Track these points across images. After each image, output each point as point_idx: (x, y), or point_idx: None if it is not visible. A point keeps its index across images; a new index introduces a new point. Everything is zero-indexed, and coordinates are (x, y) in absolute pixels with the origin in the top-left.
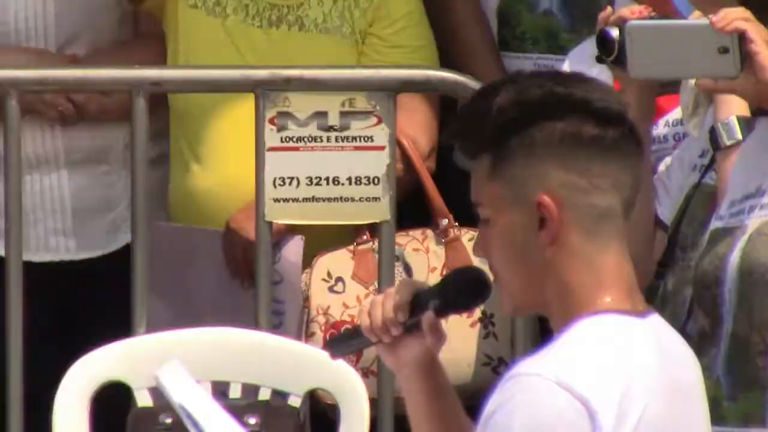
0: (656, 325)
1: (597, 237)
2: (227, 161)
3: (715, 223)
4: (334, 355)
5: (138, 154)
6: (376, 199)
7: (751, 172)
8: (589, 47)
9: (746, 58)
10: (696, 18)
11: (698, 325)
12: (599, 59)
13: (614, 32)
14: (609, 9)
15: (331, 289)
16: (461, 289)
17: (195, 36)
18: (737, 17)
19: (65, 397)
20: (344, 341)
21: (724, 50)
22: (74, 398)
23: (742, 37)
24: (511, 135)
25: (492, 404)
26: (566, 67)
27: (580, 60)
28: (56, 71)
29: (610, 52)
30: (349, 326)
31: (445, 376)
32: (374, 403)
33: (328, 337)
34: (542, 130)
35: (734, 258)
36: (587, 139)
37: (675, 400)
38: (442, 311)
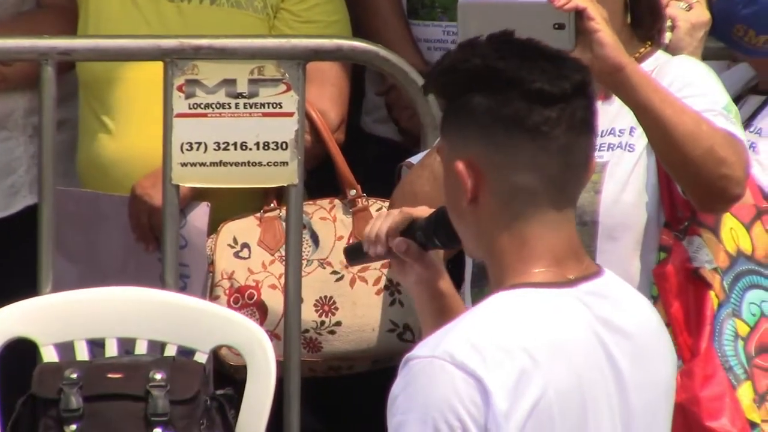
0: (593, 293)
1: (515, 209)
2: (136, 129)
3: None
4: (350, 263)
5: (45, 122)
6: (284, 163)
7: (610, 111)
8: None
9: (581, 34)
10: None
11: None
12: None
13: None
14: None
15: (236, 255)
16: (438, 228)
17: (105, 11)
18: None
19: None
20: (356, 253)
21: (560, 26)
22: None
23: (579, 15)
24: (447, 98)
25: (394, 388)
26: None
27: None
28: None
29: None
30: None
31: (450, 297)
32: (280, 365)
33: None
34: (469, 102)
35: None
36: (507, 118)
37: (601, 372)
38: (424, 245)
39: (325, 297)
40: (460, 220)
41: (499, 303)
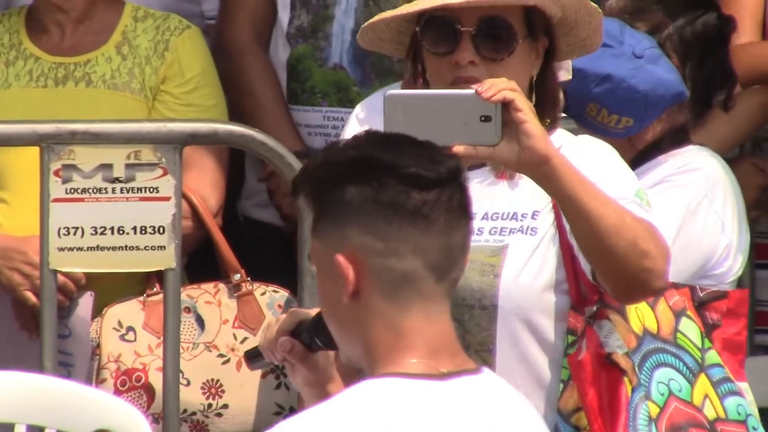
0: (465, 389)
1: (396, 299)
2: (14, 214)
3: None
4: (250, 366)
5: None
6: (161, 247)
7: (513, 194)
8: (379, 98)
9: (507, 126)
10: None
11: None
12: None
13: None
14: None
15: (122, 338)
16: (319, 328)
17: None
18: (504, 87)
19: None
20: (254, 357)
21: (486, 119)
22: None
23: (505, 106)
24: (322, 195)
25: None
26: (355, 115)
27: (370, 110)
28: None
29: None
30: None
31: None
32: None
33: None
34: (346, 193)
35: None
36: (385, 203)
37: None
38: (309, 346)
39: (212, 380)
40: (337, 319)
41: (363, 391)
